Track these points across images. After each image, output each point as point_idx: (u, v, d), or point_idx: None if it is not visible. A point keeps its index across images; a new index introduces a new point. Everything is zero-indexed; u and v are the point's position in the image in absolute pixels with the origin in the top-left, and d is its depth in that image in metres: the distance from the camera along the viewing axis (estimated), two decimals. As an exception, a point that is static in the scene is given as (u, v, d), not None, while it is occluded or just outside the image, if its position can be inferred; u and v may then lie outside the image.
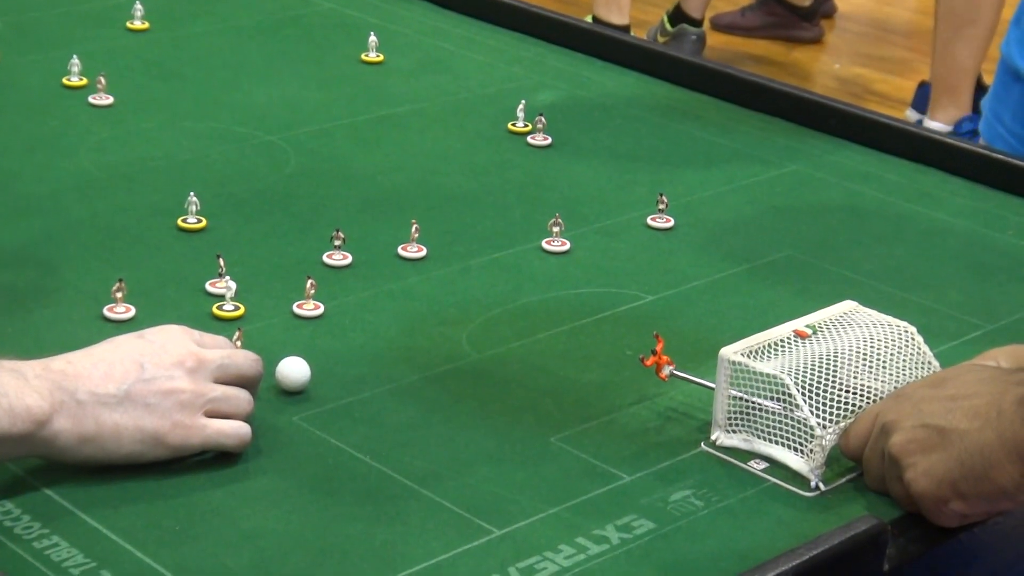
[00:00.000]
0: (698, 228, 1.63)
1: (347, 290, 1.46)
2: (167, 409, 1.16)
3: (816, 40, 4.95)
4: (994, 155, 1.79)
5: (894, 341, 1.28)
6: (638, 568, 1.11)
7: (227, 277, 1.42)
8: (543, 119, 1.81)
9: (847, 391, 1.23)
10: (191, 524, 1.13)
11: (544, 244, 1.56)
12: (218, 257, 1.44)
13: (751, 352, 1.24)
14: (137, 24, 2.05)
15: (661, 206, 1.63)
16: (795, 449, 1.21)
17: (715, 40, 4.84)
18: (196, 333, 1.23)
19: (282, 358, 1.29)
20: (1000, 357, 1.24)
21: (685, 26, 4.65)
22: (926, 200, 1.72)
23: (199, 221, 1.55)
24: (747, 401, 1.24)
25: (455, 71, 1.99)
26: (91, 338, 1.21)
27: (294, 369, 1.29)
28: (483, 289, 1.48)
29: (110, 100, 1.82)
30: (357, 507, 1.16)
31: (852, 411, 1.22)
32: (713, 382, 1.25)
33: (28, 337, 1.34)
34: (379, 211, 1.61)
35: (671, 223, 1.62)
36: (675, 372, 1.29)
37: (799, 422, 1.21)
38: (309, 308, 1.41)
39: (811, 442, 1.20)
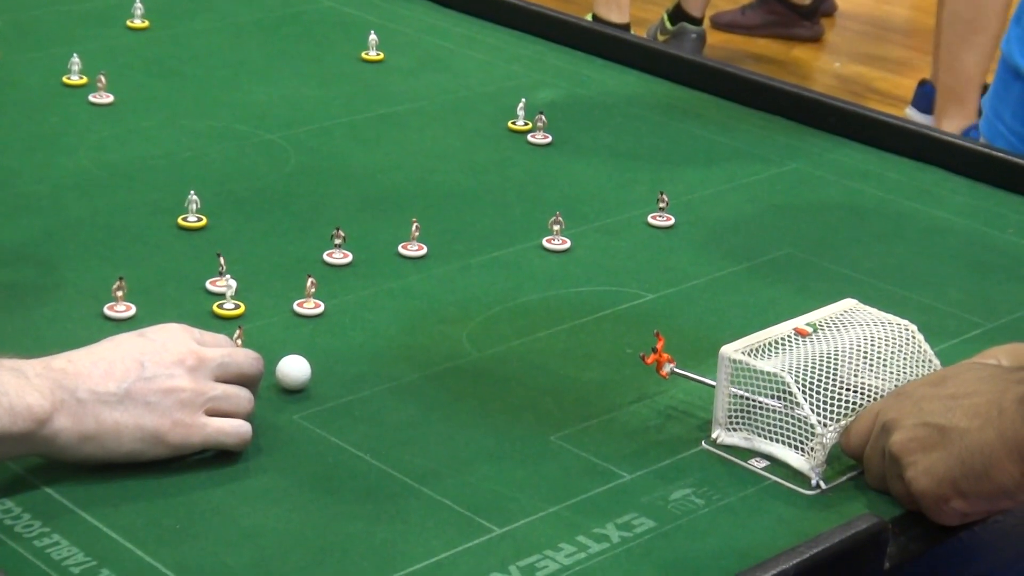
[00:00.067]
0: (698, 226, 1.63)
1: (347, 288, 1.46)
2: (167, 407, 1.16)
3: (816, 38, 4.95)
4: (994, 153, 1.79)
5: (894, 339, 1.28)
6: (638, 566, 1.11)
7: (227, 275, 1.42)
8: (543, 117, 1.81)
9: (848, 389, 1.23)
10: (191, 522, 1.13)
11: (544, 242, 1.56)
12: (218, 255, 1.44)
13: (752, 350, 1.24)
14: (137, 22, 2.05)
15: (661, 204, 1.63)
16: (796, 447, 1.21)
17: (715, 38, 4.84)
18: (196, 332, 1.23)
19: (282, 356, 1.29)
20: (1000, 355, 1.24)
21: (685, 24, 4.65)
22: (926, 198, 1.72)
23: (199, 219, 1.55)
24: (748, 399, 1.24)
25: (455, 69, 1.99)
26: (91, 336, 1.21)
27: (294, 367, 1.29)
28: (483, 287, 1.48)
29: (110, 98, 1.82)
30: (357, 505, 1.16)
31: (853, 409, 1.22)
32: (714, 380, 1.25)
33: (28, 336, 1.34)
34: (379, 209, 1.61)
35: (671, 221, 1.62)
36: (676, 370, 1.29)
37: (800, 420, 1.21)
38: (309, 306, 1.41)
39: (812, 440, 1.20)
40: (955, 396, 1.16)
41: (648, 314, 1.45)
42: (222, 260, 1.44)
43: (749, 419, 1.24)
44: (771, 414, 1.23)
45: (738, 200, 1.69)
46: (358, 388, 1.30)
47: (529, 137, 1.80)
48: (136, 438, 1.16)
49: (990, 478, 1.12)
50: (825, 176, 1.76)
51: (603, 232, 1.60)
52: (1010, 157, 1.78)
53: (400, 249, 1.52)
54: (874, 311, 1.31)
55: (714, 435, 1.25)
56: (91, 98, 1.82)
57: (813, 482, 1.20)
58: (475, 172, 1.72)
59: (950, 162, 1.78)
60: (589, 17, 4.31)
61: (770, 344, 1.25)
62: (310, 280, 1.42)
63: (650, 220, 1.62)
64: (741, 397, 1.24)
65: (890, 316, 1.30)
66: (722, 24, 4.95)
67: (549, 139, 1.80)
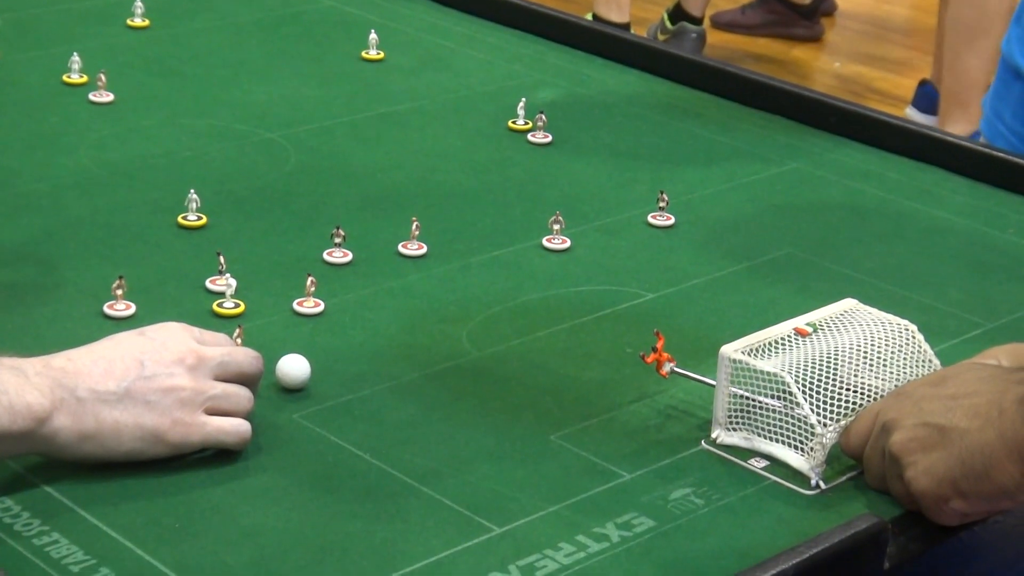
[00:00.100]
0: (698, 226, 1.62)
1: (347, 287, 1.46)
2: (167, 406, 1.16)
3: (816, 38, 4.95)
4: (994, 153, 1.79)
5: (894, 339, 1.28)
6: (638, 566, 1.11)
7: (227, 274, 1.42)
8: (543, 117, 1.81)
9: (848, 389, 1.23)
10: (191, 521, 1.13)
11: (544, 242, 1.56)
12: (218, 254, 1.44)
13: (752, 350, 1.24)
14: (137, 21, 2.05)
15: (661, 204, 1.63)
16: (796, 447, 1.21)
17: (715, 38, 4.83)
18: (196, 330, 1.22)
19: (282, 355, 1.29)
20: (1001, 356, 1.24)
21: (685, 24, 4.65)
22: (926, 198, 1.72)
23: (199, 218, 1.55)
24: (748, 399, 1.24)
25: (455, 69, 1.99)
26: (91, 335, 1.21)
27: (294, 366, 1.29)
28: (483, 287, 1.48)
29: (110, 97, 1.82)
30: (357, 504, 1.16)
31: (852, 409, 1.22)
32: (714, 380, 1.25)
33: (28, 334, 1.34)
34: (379, 208, 1.61)
35: (671, 221, 1.62)
36: (676, 369, 1.29)
37: (800, 420, 1.21)
38: (309, 305, 1.41)
39: (812, 440, 1.20)
40: (955, 396, 1.16)
41: (648, 313, 1.45)
42: (222, 259, 1.44)
43: (749, 419, 1.24)
44: (771, 414, 1.23)
45: (738, 200, 1.69)
46: (358, 387, 1.30)
47: (529, 136, 1.80)
48: (136, 437, 1.16)
49: (990, 478, 1.12)
50: (825, 176, 1.76)
51: (603, 231, 1.60)
52: (1010, 157, 1.78)
53: (400, 248, 1.52)
54: (874, 311, 1.31)
55: (714, 435, 1.25)
56: (91, 97, 1.82)
57: (813, 482, 1.20)
58: (475, 171, 1.72)
59: (951, 162, 1.78)
60: (589, 16, 4.31)
61: (770, 344, 1.25)
62: (310, 279, 1.42)
63: (650, 219, 1.62)
64: (741, 397, 1.24)
65: (890, 316, 1.30)
66: (722, 24, 4.95)
67: (549, 138, 1.80)
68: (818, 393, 1.21)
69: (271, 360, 1.28)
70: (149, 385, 1.16)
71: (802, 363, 1.23)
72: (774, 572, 1.07)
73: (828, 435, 1.20)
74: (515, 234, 1.58)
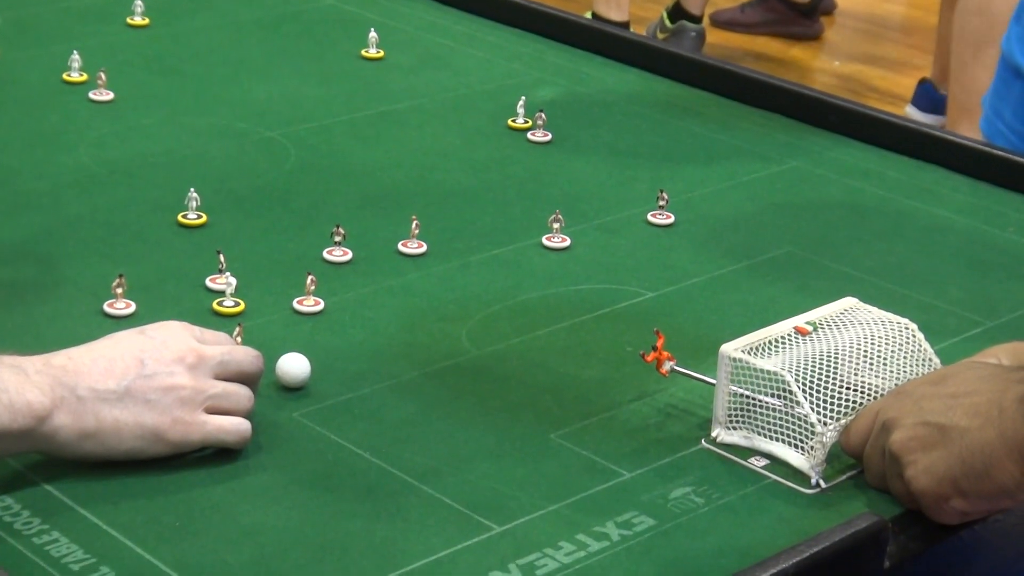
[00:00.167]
0: (698, 224, 1.62)
1: (347, 286, 1.46)
2: (167, 405, 1.16)
3: (816, 37, 4.95)
4: (994, 152, 1.79)
5: (895, 338, 1.28)
6: (638, 565, 1.11)
7: (227, 273, 1.42)
8: (543, 115, 1.81)
9: (848, 388, 1.23)
10: (191, 520, 1.13)
11: (544, 240, 1.56)
12: (218, 253, 1.44)
13: (752, 349, 1.24)
14: (137, 20, 2.05)
15: (661, 202, 1.63)
16: (796, 446, 1.21)
17: (714, 37, 4.84)
18: (196, 329, 1.22)
19: (282, 354, 1.29)
20: (1001, 354, 1.24)
21: (685, 22, 4.65)
22: (926, 197, 1.72)
23: (199, 217, 1.55)
24: (748, 398, 1.24)
25: (455, 67, 1.99)
26: (91, 334, 1.21)
27: (294, 365, 1.29)
28: (483, 285, 1.48)
29: (110, 96, 1.82)
30: (357, 503, 1.16)
31: (853, 408, 1.22)
32: (714, 378, 1.25)
33: (28, 333, 1.34)
34: (379, 207, 1.61)
35: (671, 219, 1.62)
36: (676, 368, 1.29)
37: (800, 419, 1.21)
38: (309, 304, 1.41)
39: (812, 439, 1.20)
40: (955, 395, 1.16)
41: (648, 312, 1.45)
42: (222, 257, 1.44)
43: (749, 418, 1.24)
44: (771, 413, 1.23)
45: (738, 198, 1.69)
46: (358, 386, 1.30)
47: (529, 135, 1.80)
48: (136, 435, 1.16)
49: (990, 477, 1.12)
50: (825, 174, 1.76)
51: (603, 230, 1.60)
52: (1010, 156, 1.78)
53: (400, 247, 1.52)
54: (874, 310, 1.31)
55: (714, 433, 1.25)
56: (91, 95, 1.82)
57: (813, 481, 1.20)
58: (475, 170, 1.72)
59: (950, 161, 1.78)
60: (589, 15, 4.31)
61: (770, 342, 1.25)
62: (310, 278, 1.42)
63: (650, 218, 1.62)
64: (741, 396, 1.24)
65: (890, 315, 1.30)
66: (721, 22, 4.95)
67: (549, 137, 1.80)
68: (818, 392, 1.21)
69: (271, 359, 1.28)
70: (149, 384, 1.16)
71: (802, 362, 1.23)
72: (774, 571, 1.07)
73: (828, 434, 1.20)
74: (515, 232, 1.58)
